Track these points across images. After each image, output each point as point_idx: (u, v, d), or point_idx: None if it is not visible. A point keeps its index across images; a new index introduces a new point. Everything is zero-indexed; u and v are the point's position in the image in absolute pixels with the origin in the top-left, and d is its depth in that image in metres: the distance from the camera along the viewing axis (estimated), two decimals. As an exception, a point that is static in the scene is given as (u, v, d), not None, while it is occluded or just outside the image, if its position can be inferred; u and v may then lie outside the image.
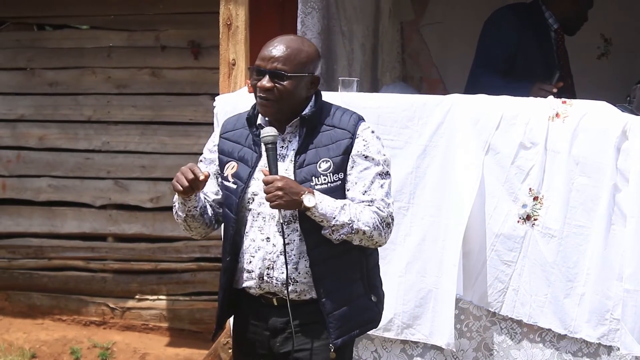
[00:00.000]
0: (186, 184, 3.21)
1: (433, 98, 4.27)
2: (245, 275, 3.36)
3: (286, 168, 3.30)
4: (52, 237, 6.68)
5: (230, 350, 4.63)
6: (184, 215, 3.37)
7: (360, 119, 3.36)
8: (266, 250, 3.30)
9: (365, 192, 3.26)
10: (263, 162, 3.31)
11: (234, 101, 4.43)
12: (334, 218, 3.19)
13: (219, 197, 3.46)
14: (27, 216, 6.70)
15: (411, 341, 4.26)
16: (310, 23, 4.91)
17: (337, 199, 3.24)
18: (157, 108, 6.48)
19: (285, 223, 3.27)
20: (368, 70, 5.76)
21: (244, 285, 3.37)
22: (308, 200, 3.18)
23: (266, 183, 3.20)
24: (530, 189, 4.06)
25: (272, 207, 3.20)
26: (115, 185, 6.56)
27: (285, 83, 3.26)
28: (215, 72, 4.87)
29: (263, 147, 3.28)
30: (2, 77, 6.70)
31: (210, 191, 3.47)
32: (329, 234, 3.23)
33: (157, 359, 6.20)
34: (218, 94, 4.61)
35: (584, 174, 3.98)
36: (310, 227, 3.24)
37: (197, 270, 6.48)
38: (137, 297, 6.58)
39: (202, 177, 3.21)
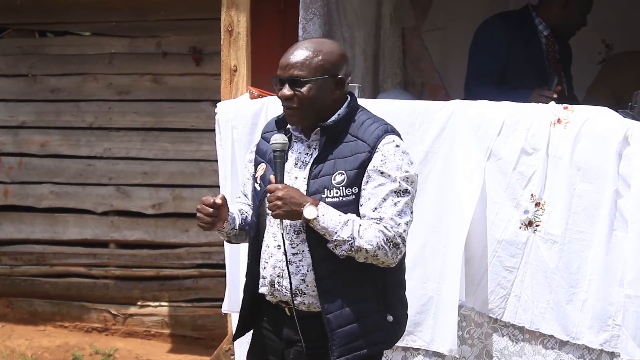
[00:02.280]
0: (209, 219, 3.23)
1: (435, 104, 4.26)
2: (261, 281, 3.32)
3: (304, 176, 3.23)
4: (54, 244, 6.68)
5: (232, 357, 4.63)
6: (226, 240, 3.39)
7: (387, 131, 3.22)
8: (277, 258, 3.25)
9: (376, 209, 3.13)
10: (287, 167, 3.24)
11: (236, 107, 4.43)
12: (336, 233, 3.10)
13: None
14: (29, 223, 6.70)
15: (412, 348, 4.24)
16: (312, 29, 4.90)
17: (349, 213, 3.15)
18: (158, 114, 6.48)
19: (295, 232, 3.22)
20: (369, 76, 5.75)
21: (261, 291, 3.34)
22: (309, 212, 3.10)
23: (269, 191, 3.16)
24: (532, 194, 4.06)
25: (273, 216, 3.17)
26: (117, 191, 6.56)
27: (304, 89, 3.18)
28: (217, 79, 4.87)
29: (271, 154, 3.22)
30: (4, 84, 6.70)
31: (249, 193, 3.44)
32: (333, 249, 3.14)
33: (158, 365, 6.21)
34: (220, 100, 4.61)
35: (585, 180, 3.97)
36: (316, 239, 3.16)
37: (199, 276, 6.47)
38: (139, 303, 6.57)
39: (218, 201, 3.22)
